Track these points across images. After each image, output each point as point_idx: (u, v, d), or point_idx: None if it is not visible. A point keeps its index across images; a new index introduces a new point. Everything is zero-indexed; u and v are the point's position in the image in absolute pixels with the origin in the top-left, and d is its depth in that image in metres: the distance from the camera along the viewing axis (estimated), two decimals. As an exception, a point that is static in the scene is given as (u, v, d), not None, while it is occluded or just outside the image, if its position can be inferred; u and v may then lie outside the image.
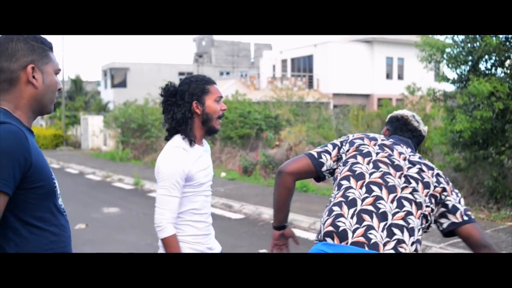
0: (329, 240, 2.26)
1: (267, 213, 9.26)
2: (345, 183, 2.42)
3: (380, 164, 2.43)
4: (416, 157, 2.49)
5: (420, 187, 2.35)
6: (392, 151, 2.50)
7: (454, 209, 2.36)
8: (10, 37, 1.89)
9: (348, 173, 2.44)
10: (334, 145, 2.61)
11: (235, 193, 11.24)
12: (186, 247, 2.86)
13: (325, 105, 27.32)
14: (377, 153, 2.48)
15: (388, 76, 35.40)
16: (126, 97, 29.94)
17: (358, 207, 2.30)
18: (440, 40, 9.61)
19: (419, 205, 2.31)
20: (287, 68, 37.28)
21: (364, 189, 2.35)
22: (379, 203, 2.29)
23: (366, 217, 2.26)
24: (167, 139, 2.95)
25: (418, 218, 2.29)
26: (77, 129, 29.56)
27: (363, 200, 2.32)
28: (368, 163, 2.45)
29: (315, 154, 2.58)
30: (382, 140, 2.57)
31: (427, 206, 2.33)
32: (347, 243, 2.21)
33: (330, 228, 2.28)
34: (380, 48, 34.73)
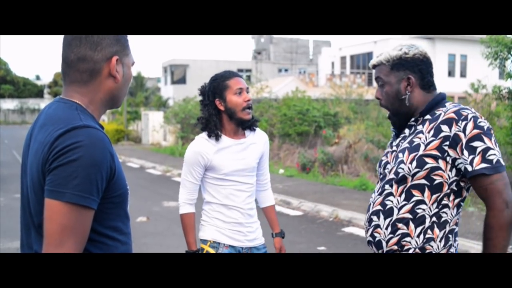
0: None
1: (326, 210, 9.22)
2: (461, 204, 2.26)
3: None
4: None
5: None
6: None
7: None
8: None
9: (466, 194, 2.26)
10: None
11: (294, 190, 11.23)
12: (214, 230, 3.11)
13: (384, 102, 26.90)
14: None
15: (450, 73, 34.56)
16: (185, 93, 30.34)
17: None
18: (508, 36, 9.32)
19: None
20: (346, 65, 36.93)
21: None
22: None
23: None
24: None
25: None
26: (138, 124, 30.16)
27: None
28: None
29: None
30: None
31: None
32: None
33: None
34: (442, 45, 33.95)
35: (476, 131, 2.10)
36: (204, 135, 3.08)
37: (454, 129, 2.13)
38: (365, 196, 10.28)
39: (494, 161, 2.07)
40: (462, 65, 34.89)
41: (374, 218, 2.32)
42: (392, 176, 2.27)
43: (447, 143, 2.13)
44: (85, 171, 1.50)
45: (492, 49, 9.32)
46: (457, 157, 2.13)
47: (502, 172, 2.07)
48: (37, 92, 70.41)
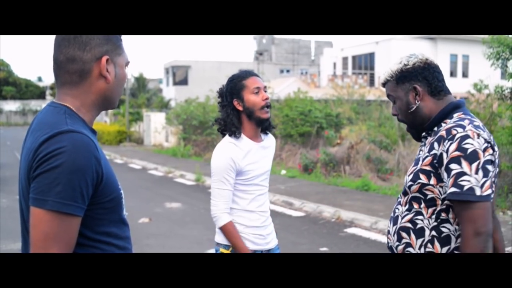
0: None
1: (328, 211, 9.22)
2: None
3: None
4: None
5: None
6: None
7: None
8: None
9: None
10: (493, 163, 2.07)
11: (296, 191, 11.22)
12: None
13: (386, 103, 26.92)
14: None
15: (452, 73, 34.56)
16: (187, 94, 30.37)
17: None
18: (510, 36, 9.31)
19: None
20: (348, 66, 36.94)
21: None
22: None
23: None
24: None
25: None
26: (140, 125, 30.17)
27: None
28: None
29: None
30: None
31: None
32: None
33: None
34: (444, 45, 33.95)
35: (456, 153, 2.01)
36: (228, 138, 3.00)
37: (440, 148, 2.07)
38: (367, 196, 10.30)
39: (466, 187, 1.96)
40: (464, 65, 34.90)
41: (389, 224, 2.37)
42: (404, 186, 2.27)
43: (436, 161, 2.09)
44: (67, 178, 1.46)
45: (494, 50, 9.31)
46: (443, 177, 2.07)
47: (474, 201, 1.96)
48: (39, 94, 70.49)
